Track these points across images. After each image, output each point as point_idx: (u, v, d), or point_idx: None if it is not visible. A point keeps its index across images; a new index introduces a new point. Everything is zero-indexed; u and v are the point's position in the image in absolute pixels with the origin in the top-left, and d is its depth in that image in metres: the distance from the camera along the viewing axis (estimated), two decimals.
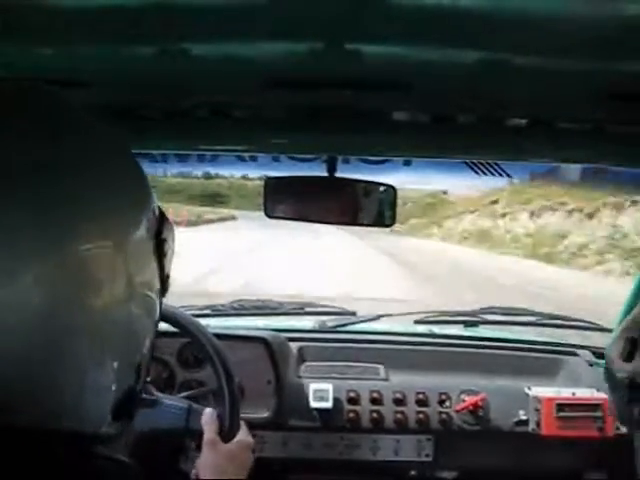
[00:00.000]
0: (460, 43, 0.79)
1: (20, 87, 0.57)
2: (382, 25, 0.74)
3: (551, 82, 0.93)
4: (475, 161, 1.30)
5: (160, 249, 0.62)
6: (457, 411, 1.77)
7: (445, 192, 30.16)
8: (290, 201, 1.36)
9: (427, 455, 1.78)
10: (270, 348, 1.75)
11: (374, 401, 1.77)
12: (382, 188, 1.34)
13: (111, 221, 0.55)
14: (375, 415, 1.76)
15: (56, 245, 0.50)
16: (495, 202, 24.36)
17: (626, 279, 11.62)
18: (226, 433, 1.16)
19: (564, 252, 17.67)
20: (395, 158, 1.33)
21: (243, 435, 1.19)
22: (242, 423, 1.21)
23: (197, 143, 1.28)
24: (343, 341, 1.95)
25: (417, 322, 2.09)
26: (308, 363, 1.87)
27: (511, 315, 2.15)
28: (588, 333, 2.11)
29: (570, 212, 19.49)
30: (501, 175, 1.34)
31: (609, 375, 1.34)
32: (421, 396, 1.77)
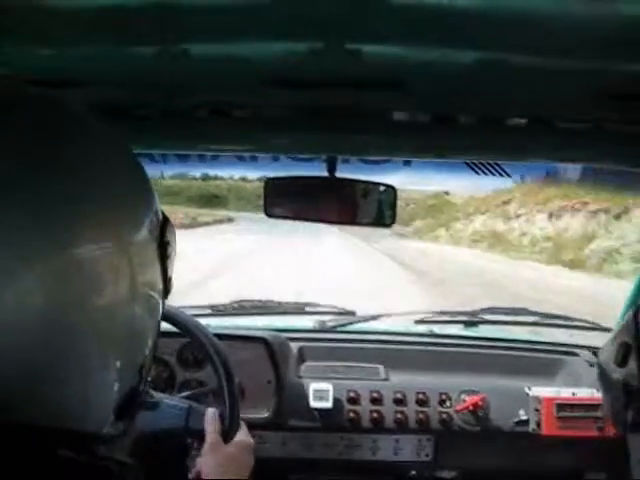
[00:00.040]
0: (460, 43, 0.80)
1: (20, 87, 0.57)
2: (382, 25, 0.74)
3: (551, 82, 0.93)
4: (475, 161, 1.30)
5: (163, 251, 0.62)
6: (457, 411, 1.77)
7: (447, 193, 29.77)
8: (290, 201, 1.36)
9: (427, 455, 1.78)
10: (270, 348, 1.75)
11: (374, 401, 1.77)
12: (382, 188, 1.34)
13: (113, 221, 0.55)
14: (375, 415, 1.76)
15: (58, 245, 0.50)
16: (507, 202, 22.55)
17: None
18: (226, 433, 1.16)
19: (592, 257, 15.72)
20: (395, 158, 1.33)
21: (243, 436, 1.19)
22: (242, 424, 1.21)
23: (197, 143, 1.28)
24: (343, 341, 1.95)
25: (417, 322, 2.09)
26: (308, 363, 1.87)
27: (511, 315, 2.15)
28: (588, 333, 2.10)
29: (594, 213, 17.55)
30: (501, 175, 1.34)
31: (603, 378, 1.34)
32: (421, 396, 1.77)
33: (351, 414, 1.76)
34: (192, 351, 1.70)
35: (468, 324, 2.10)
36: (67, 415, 0.53)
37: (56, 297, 0.50)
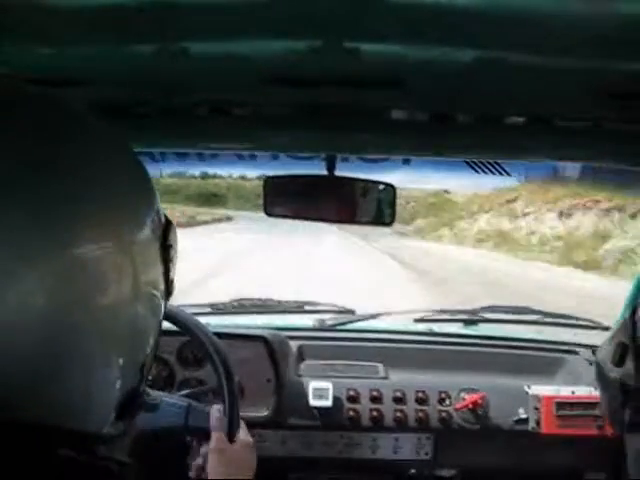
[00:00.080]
0: (459, 41, 0.80)
1: (20, 86, 0.57)
2: (381, 23, 0.74)
3: (550, 80, 0.93)
4: (474, 160, 1.30)
5: (166, 254, 0.62)
6: (457, 409, 1.77)
7: (447, 191, 29.54)
8: (289, 200, 1.36)
9: (426, 453, 1.78)
10: (270, 346, 1.75)
11: (374, 399, 1.77)
12: (381, 187, 1.34)
13: (114, 220, 0.55)
14: (375, 413, 1.76)
15: (58, 245, 0.50)
16: (513, 200, 21.78)
17: None
18: (226, 432, 1.16)
19: (608, 258, 14.89)
20: (394, 157, 1.33)
21: (244, 435, 1.18)
22: (242, 423, 1.21)
23: (197, 141, 1.28)
24: (343, 339, 1.95)
25: (417, 320, 2.09)
26: (308, 361, 1.87)
27: (511, 313, 2.15)
28: (590, 332, 2.10)
29: (607, 211, 16.94)
30: (501, 174, 1.34)
31: (601, 377, 1.35)
32: (421, 394, 1.78)
33: (351, 412, 1.76)
34: (192, 350, 1.70)
35: (468, 323, 2.10)
36: (69, 414, 0.53)
37: (57, 296, 0.50)
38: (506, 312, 2.17)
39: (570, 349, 1.94)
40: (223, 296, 2.19)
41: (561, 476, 1.82)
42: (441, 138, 1.21)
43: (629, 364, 1.25)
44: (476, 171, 1.33)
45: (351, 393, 1.77)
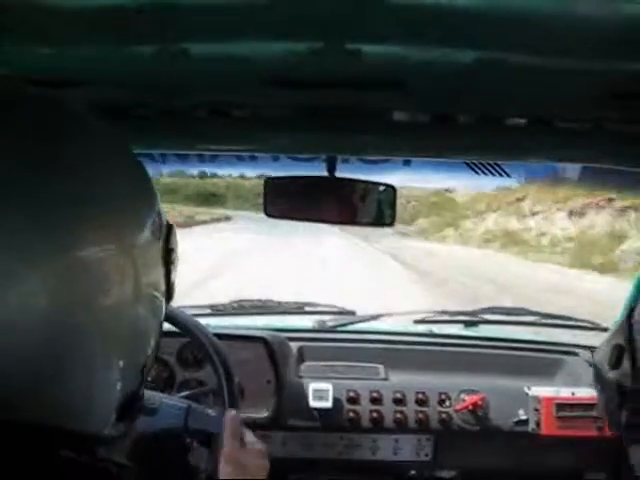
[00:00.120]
0: (460, 43, 0.79)
1: (20, 87, 0.57)
2: (382, 25, 0.74)
3: (551, 81, 0.93)
4: (475, 161, 1.30)
5: (167, 257, 0.62)
6: (457, 411, 1.77)
7: (448, 190, 29.12)
8: (290, 201, 1.36)
9: (427, 455, 1.78)
10: (270, 348, 1.75)
11: (374, 401, 1.77)
12: (382, 188, 1.34)
13: (115, 221, 0.55)
14: (375, 415, 1.76)
15: (59, 246, 0.50)
16: (521, 199, 20.91)
17: None
18: None
19: (626, 260, 13.83)
20: (395, 158, 1.33)
21: (255, 441, 1.13)
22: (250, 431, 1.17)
23: (197, 143, 1.27)
24: (343, 341, 1.95)
25: (417, 322, 2.09)
26: (308, 363, 1.87)
27: (511, 315, 2.15)
28: (590, 333, 2.10)
29: (622, 210, 16.18)
30: (501, 175, 1.34)
31: (598, 379, 1.35)
32: (421, 396, 1.77)
33: (351, 414, 1.76)
34: (192, 351, 1.70)
35: (468, 324, 2.10)
36: (70, 415, 0.53)
37: (59, 298, 0.50)
38: (506, 313, 2.17)
39: (570, 350, 1.94)
40: (223, 297, 2.19)
41: (561, 477, 1.82)
42: (442, 139, 1.21)
43: (625, 366, 1.25)
44: (476, 172, 1.33)
45: (351, 394, 1.77)
